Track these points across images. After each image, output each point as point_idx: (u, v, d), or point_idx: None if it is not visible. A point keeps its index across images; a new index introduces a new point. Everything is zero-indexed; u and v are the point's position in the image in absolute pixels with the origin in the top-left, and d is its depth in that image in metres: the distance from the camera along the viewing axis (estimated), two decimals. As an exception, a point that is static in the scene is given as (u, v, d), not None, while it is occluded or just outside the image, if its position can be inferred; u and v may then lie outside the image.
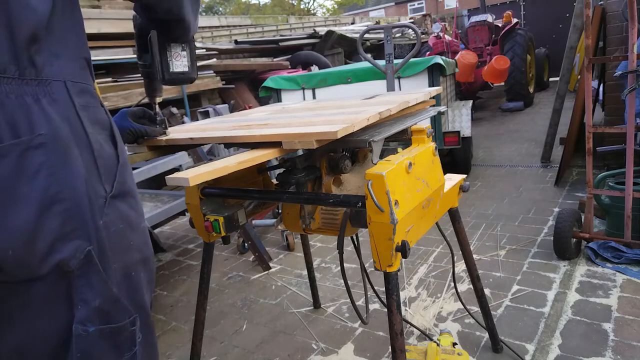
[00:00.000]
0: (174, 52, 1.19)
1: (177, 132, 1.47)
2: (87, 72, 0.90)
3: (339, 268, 1.58)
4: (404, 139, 1.52)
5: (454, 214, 1.75)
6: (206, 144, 2.88)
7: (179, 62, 1.22)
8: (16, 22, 0.74)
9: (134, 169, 2.82)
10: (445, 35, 8.33)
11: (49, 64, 0.79)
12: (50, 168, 0.76)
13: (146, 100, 1.37)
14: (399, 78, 4.02)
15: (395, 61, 3.65)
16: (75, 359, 0.82)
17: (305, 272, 2.58)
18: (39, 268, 0.76)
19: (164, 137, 1.38)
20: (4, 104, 0.72)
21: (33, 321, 0.80)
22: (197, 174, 0.97)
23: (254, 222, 3.50)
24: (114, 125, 0.92)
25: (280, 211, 3.31)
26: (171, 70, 1.21)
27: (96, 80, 6.74)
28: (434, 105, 1.85)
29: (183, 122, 4.93)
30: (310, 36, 9.86)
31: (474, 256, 2.06)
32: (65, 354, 0.82)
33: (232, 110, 5.66)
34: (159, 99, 1.36)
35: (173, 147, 1.46)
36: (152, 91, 1.34)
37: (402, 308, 2.37)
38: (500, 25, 8.56)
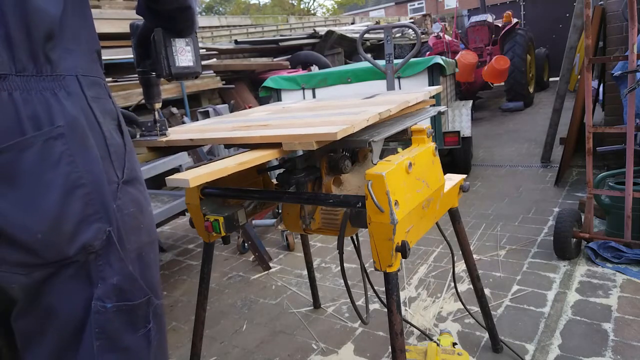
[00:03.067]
0: (179, 47, 1.21)
1: (177, 133, 1.47)
2: (97, 65, 0.95)
3: (339, 268, 1.58)
4: (404, 139, 1.52)
5: (454, 214, 1.75)
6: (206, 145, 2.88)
7: (184, 57, 1.23)
8: (32, 25, 0.80)
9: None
10: (445, 35, 8.33)
11: (63, 59, 0.85)
12: (70, 156, 0.81)
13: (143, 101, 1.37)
14: (399, 78, 4.02)
15: (395, 61, 3.65)
16: (94, 333, 0.87)
17: (305, 272, 2.58)
18: (67, 250, 0.82)
19: (164, 139, 1.38)
20: (26, 100, 0.78)
21: (59, 302, 0.86)
22: (197, 175, 0.97)
23: (254, 222, 3.50)
24: (121, 116, 0.97)
25: (280, 211, 3.31)
26: (177, 64, 1.22)
27: (96, 80, 6.80)
28: (433, 105, 1.85)
29: (183, 122, 4.93)
30: (310, 36, 9.86)
31: (474, 256, 2.06)
32: (83, 331, 0.87)
33: (232, 110, 5.66)
34: (158, 105, 1.37)
35: (173, 148, 1.46)
36: (150, 97, 1.35)
37: (402, 308, 2.37)
38: (500, 25, 8.56)
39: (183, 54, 1.22)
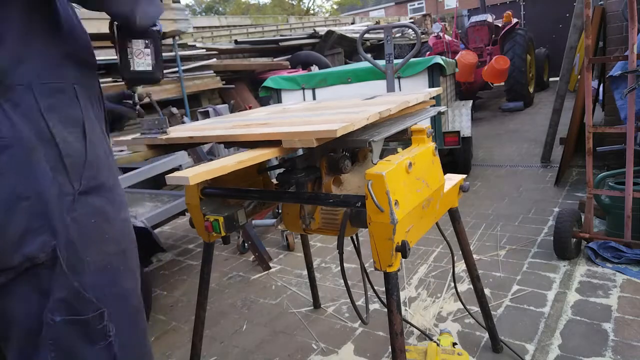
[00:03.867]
0: (135, 48, 1.08)
1: (176, 132, 1.47)
2: (67, 67, 0.90)
3: (339, 268, 1.58)
4: (404, 139, 1.52)
5: (454, 214, 1.75)
6: (206, 144, 2.88)
7: (142, 60, 1.09)
8: None
9: (134, 168, 2.82)
10: (445, 35, 8.33)
11: (12, 69, 0.82)
12: (15, 168, 0.80)
13: (146, 100, 1.37)
14: (399, 78, 4.02)
15: (395, 61, 3.65)
16: (47, 345, 0.87)
17: (305, 272, 2.58)
18: (11, 259, 0.82)
19: (163, 136, 1.38)
20: None
21: (15, 311, 0.86)
22: (197, 173, 0.97)
23: (254, 222, 3.50)
24: (88, 122, 0.93)
25: (280, 211, 3.31)
26: (132, 68, 1.09)
27: (96, 80, 6.68)
28: (434, 105, 1.85)
29: (183, 122, 4.93)
30: (310, 36, 9.87)
31: (474, 256, 2.06)
32: (38, 339, 0.87)
33: (232, 110, 5.66)
34: (139, 89, 1.26)
35: (173, 146, 1.46)
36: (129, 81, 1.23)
37: (402, 308, 2.37)
38: (500, 25, 8.56)
39: (141, 57, 1.09)
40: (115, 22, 1.10)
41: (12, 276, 0.84)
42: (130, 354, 0.97)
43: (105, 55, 6.00)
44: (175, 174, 1.00)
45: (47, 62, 0.87)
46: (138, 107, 1.31)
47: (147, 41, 1.09)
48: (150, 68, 1.11)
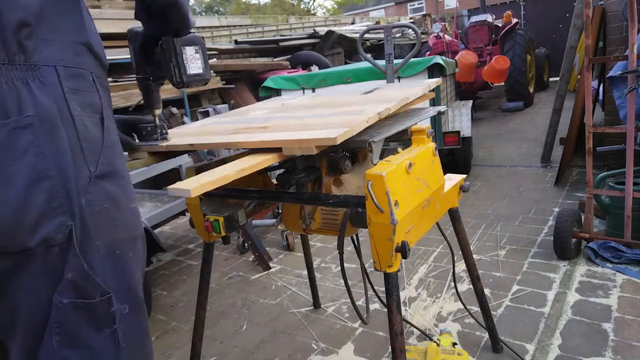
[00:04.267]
0: (189, 55, 1.23)
1: (177, 136, 1.47)
2: (86, 57, 0.93)
3: (339, 268, 1.58)
4: (404, 139, 1.52)
5: (454, 214, 1.75)
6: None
7: (194, 65, 1.25)
8: (4, 10, 0.79)
9: (134, 169, 2.82)
10: (445, 35, 8.32)
11: (39, 49, 0.83)
12: (38, 147, 0.80)
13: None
14: (399, 78, 4.02)
15: (395, 61, 3.65)
16: (53, 327, 0.86)
17: (305, 272, 2.58)
18: (28, 241, 0.81)
19: (164, 143, 1.38)
20: None
21: (24, 292, 0.86)
22: (199, 185, 0.97)
23: (254, 222, 3.50)
24: (106, 110, 0.95)
25: (280, 211, 3.31)
26: (188, 72, 1.24)
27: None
28: (434, 106, 1.85)
29: (183, 122, 4.93)
30: (310, 36, 9.87)
31: (474, 256, 2.06)
32: (45, 324, 0.87)
33: (232, 110, 5.66)
34: (158, 111, 1.37)
35: (173, 153, 1.46)
36: (151, 103, 1.35)
37: (402, 308, 2.37)
38: (500, 25, 8.56)
39: (193, 62, 1.25)
40: (157, 31, 1.21)
41: (24, 259, 0.83)
42: (134, 344, 0.97)
43: (105, 55, 5.99)
44: (177, 185, 0.99)
45: (70, 47, 0.89)
46: (160, 124, 1.40)
47: (196, 47, 1.25)
48: (202, 71, 1.28)
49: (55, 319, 0.86)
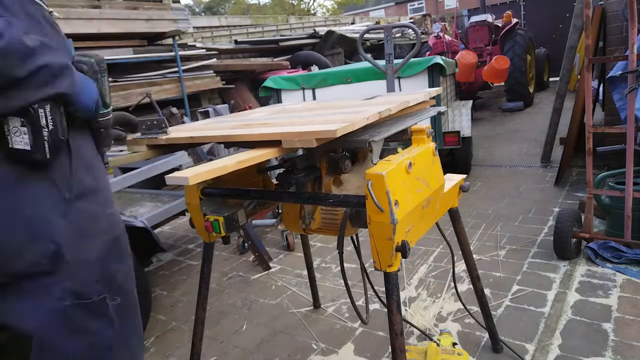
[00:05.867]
0: (12, 125, 0.94)
1: (177, 132, 1.47)
2: None
3: (339, 268, 1.58)
4: (404, 139, 1.52)
5: (454, 214, 1.75)
6: (206, 144, 2.88)
7: (19, 139, 0.94)
8: None
9: (134, 168, 2.82)
10: (445, 35, 8.33)
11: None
12: (12, 186, 0.94)
13: (146, 100, 1.38)
14: (399, 78, 4.02)
15: (395, 61, 3.65)
16: (63, 323, 1.02)
17: (305, 272, 2.58)
18: (15, 264, 0.95)
19: (164, 136, 1.38)
20: None
21: (17, 305, 0.99)
22: (197, 173, 0.97)
23: (254, 222, 3.50)
24: (70, 139, 1.02)
25: (280, 211, 3.31)
26: (10, 145, 0.94)
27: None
28: (434, 106, 1.85)
29: (183, 122, 4.93)
30: (310, 36, 9.87)
31: (474, 256, 2.06)
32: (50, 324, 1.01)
33: (232, 110, 5.66)
34: (106, 149, 1.19)
35: (173, 147, 1.46)
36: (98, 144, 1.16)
37: (402, 308, 2.37)
38: (500, 25, 8.56)
39: (18, 135, 0.94)
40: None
41: (16, 279, 0.96)
42: (123, 327, 1.12)
43: (105, 55, 6.00)
44: (175, 174, 1.00)
45: None
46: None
47: (22, 119, 0.94)
48: (28, 148, 0.95)
49: (63, 317, 1.01)
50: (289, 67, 8.31)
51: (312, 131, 1.11)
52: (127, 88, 6.13)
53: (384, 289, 1.27)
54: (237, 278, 3.01)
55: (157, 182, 3.26)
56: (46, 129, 0.94)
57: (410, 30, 10.16)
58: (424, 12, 20.17)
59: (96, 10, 5.93)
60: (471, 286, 1.90)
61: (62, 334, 1.02)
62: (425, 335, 2.12)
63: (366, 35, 9.75)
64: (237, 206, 1.63)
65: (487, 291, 2.41)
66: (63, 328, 1.02)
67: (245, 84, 7.97)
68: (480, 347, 2.01)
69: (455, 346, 1.83)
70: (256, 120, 1.54)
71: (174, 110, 5.30)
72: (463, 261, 1.84)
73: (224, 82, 7.52)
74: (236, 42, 9.17)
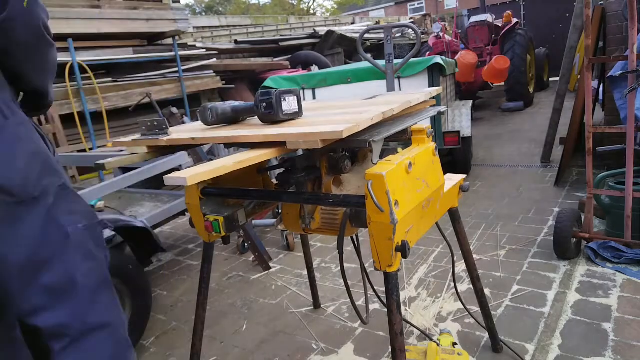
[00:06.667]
0: None
1: (177, 133, 1.47)
2: None
3: (339, 268, 1.58)
4: (404, 139, 1.51)
5: (454, 214, 1.75)
6: (206, 144, 2.87)
7: None
8: None
9: (134, 168, 2.82)
10: (445, 35, 8.33)
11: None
12: (30, 137, 1.14)
13: (146, 100, 1.38)
14: (399, 78, 4.02)
15: (395, 61, 3.65)
16: (76, 249, 1.15)
17: (305, 272, 2.58)
18: (33, 190, 1.09)
19: (165, 137, 1.38)
20: None
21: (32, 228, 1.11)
22: (195, 174, 0.97)
23: (254, 222, 3.50)
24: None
25: (280, 211, 3.31)
26: None
27: (96, 80, 6.56)
28: (434, 106, 1.85)
29: (183, 122, 4.93)
30: (310, 36, 9.87)
31: (474, 256, 2.06)
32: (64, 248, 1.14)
33: (232, 110, 5.65)
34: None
35: (173, 147, 1.46)
36: None
37: (402, 308, 2.37)
38: (500, 25, 8.56)
39: None
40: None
41: (32, 204, 1.10)
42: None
43: (105, 55, 6.00)
44: (174, 174, 0.99)
45: None
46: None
47: None
48: None
49: (76, 241, 1.14)
50: (289, 67, 8.31)
51: (318, 132, 1.10)
52: (127, 88, 6.13)
53: (384, 289, 1.27)
54: (237, 278, 3.01)
55: (157, 182, 3.26)
56: None
57: (410, 30, 10.16)
58: (424, 12, 20.17)
59: (96, 10, 5.93)
60: (471, 286, 1.90)
61: (78, 255, 1.16)
62: (425, 335, 2.12)
63: (366, 35, 9.75)
64: (237, 206, 1.63)
65: (487, 291, 2.41)
66: (78, 250, 1.15)
67: (245, 84, 7.97)
68: (480, 347, 2.01)
69: (455, 346, 1.83)
70: (257, 120, 1.53)
71: (174, 110, 5.30)
72: (463, 261, 1.84)
73: (224, 82, 7.52)
74: (236, 42, 9.18)
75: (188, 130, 1.55)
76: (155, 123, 1.41)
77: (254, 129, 1.31)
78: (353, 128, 1.13)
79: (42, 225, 1.10)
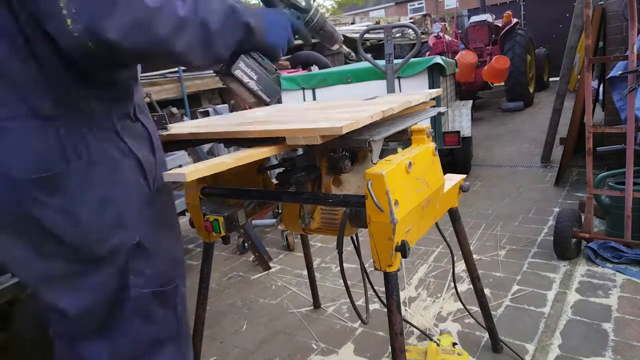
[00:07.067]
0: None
1: (177, 129, 1.47)
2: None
3: (339, 268, 1.58)
4: (404, 139, 1.51)
5: (454, 214, 1.75)
6: (206, 144, 2.87)
7: None
8: None
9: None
10: (445, 35, 8.33)
11: (94, 101, 1.03)
12: (103, 179, 0.99)
13: (146, 100, 1.38)
14: (399, 78, 4.02)
15: (395, 61, 3.65)
16: (132, 311, 1.07)
17: (305, 272, 2.58)
18: (100, 250, 0.99)
19: (164, 133, 1.38)
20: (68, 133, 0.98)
21: (99, 288, 1.04)
22: (195, 170, 0.96)
23: (254, 222, 3.50)
24: (153, 135, 1.16)
25: (280, 211, 3.31)
26: None
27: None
28: (434, 106, 1.85)
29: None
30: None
31: (474, 256, 2.06)
32: (118, 311, 1.06)
33: (232, 110, 5.66)
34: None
35: (173, 144, 1.46)
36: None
37: (402, 308, 2.37)
38: (500, 25, 8.56)
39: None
40: None
41: (99, 264, 1.01)
42: (186, 318, 1.21)
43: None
44: (173, 170, 0.98)
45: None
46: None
47: None
48: None
49: (134, 305, 1.06)
50: (289, 67, 8.30)
51: (317, 128, 1.10)
52: (127, 88, 6.12)
53: (384, 289, 1.27)
54: (237, 278, 3.01)
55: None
56: None
57: (410, 30, 10.15)
58: (424, 12, 20.17)
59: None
60: (471, 286, 1.90)
61: (136, 319, 1.08)
62: (425, 335, 2.12)
63: (366, 35, 9.74)
64: (237, 206, 1.63)
65: (487, 291, 2.41)
66: (138, 314, 1.07)
67: (245, 84, 7.94)
68: (480, 347, 2.01)
69: (455, 346, 1.83)
70: (258, 119, 1.53)
71: (174, 110, 5.30)
72: (463, 261, 1.84)
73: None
74: (236, 42, 9.15)
75: (188, 126, 1.55)
76: (155, 118, 1.40)
77: (253, 125, 1.31)
78: (352, 125, 1.12)
79: (104, 290, 1.03)
